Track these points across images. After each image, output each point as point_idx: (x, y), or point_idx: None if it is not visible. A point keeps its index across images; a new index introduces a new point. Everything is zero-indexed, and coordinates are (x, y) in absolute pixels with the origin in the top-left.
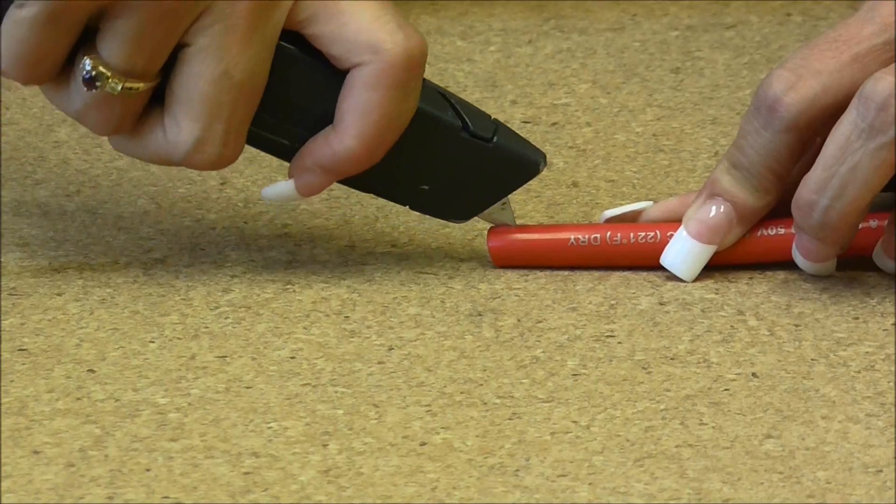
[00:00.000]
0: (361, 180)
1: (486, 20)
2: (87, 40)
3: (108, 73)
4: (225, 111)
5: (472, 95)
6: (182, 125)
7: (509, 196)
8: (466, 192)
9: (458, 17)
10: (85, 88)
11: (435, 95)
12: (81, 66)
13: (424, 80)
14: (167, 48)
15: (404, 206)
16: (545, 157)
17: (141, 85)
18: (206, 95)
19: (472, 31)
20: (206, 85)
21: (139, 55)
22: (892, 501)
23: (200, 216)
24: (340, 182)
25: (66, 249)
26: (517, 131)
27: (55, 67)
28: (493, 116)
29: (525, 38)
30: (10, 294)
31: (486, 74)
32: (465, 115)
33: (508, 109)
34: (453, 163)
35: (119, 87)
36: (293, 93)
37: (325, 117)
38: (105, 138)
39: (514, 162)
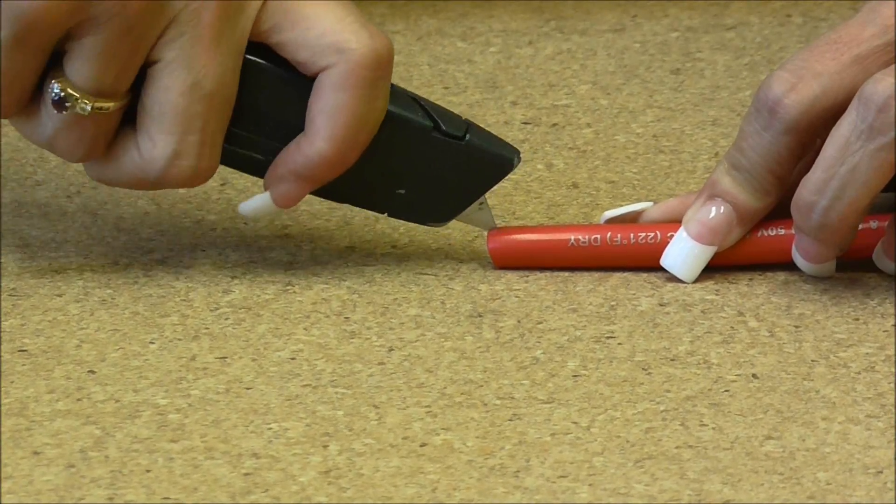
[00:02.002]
0: (338, 190)
1: (486, 21)
2: (53, 66)
3: (77, 94)
4: (198, 122)
5: (472, 96)
6: (156, 140)
7: (486, 196)
8: (443, 193)
9: (458, 18)
10: (55, 111)
11: (405, 98)
12: (49, 89)
13: (393, 84)
14: (135, 64)
15: (382, 213)
16: (518, 153)
17: (111, 104)
18: (179, 107)
19: (473, 32)
20: (177, 97)
21: (107, 73)
22: (893, 503)
23: (201, 217)
24: (318, 194)
25: (67, 250)
26: (517, 132)
27: (25, 94)
28: (465, 117)
29: (525, 40)
30: (10, 295)
31: (487, 75)
32: (435, 116)
33: (509, 110)
34: (427, 164)
35: (89, 107)
36: (263, 104)
37: (297, 128)
38: None
39: (488, 160)
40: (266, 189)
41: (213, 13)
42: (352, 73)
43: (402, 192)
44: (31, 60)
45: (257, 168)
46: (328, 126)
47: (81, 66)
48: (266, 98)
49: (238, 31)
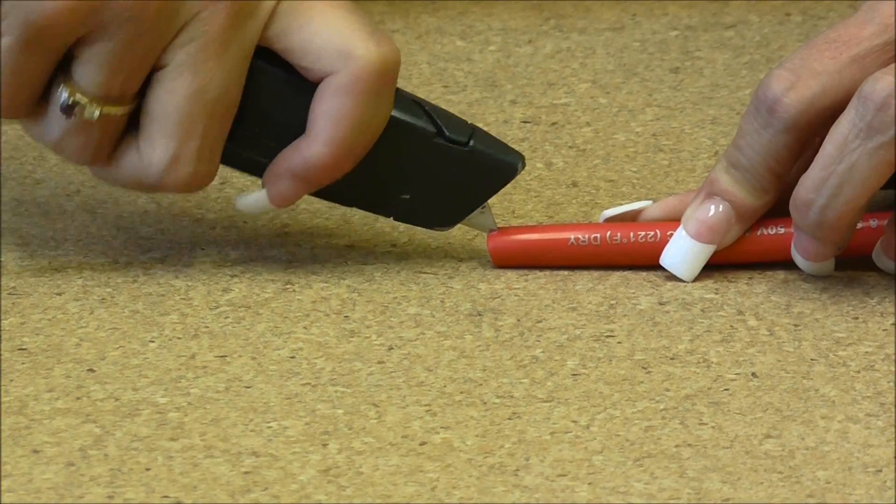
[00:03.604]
0: (341, 193)
1: (485, 20)
2: (62, 69)
3: (86, 100)
4: (199, 127)
5: (471, 95)
6: (157, 143)
7: (489, 201)
8: (447, 198)
9: (457, 17)
10: (63, 117)
11: (408, 103)
12: (58, 94)
13: (398, 88)
14: (144, 70)
15: (388, 217)
16: (523, 158)
17: (118, 109)
18: (182, 112)
19: (472, 31)
20: (181, 101)
21: (117, 79)
22: (892, 501)
23: (200, 216)
24: (322, 197)
25: (66, 249)
26: (517, 131)
27: (33, 97)
28: (469, 121)
29: (525, 38)
30: (10, 293)
31: (486, 74)
32: (439, 121)
33: (508, 109)
34: (431, 169)
35: (97, 113)
36: (267, 107)
37: (299, 131)
38: None
39: (492, 165)
40: (263, 187)
41: (223, 19)
42: (356, 80)
43: (407, 196)
44: (40, 63)
45: (258, 169)
46: (329, 130)
47: (91, 71)
48: (270, 101)
49: (247, 36)
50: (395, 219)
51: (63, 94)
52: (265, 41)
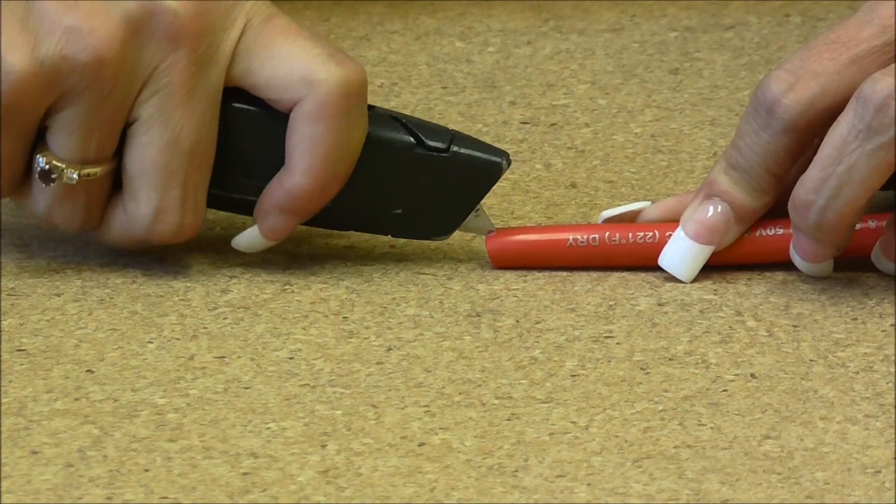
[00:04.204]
0: (335, 218)
1: (484, 21)
2: (40, 141)
3: (62, 165)
4: (179, 177)
5: (470, 96)
6: (139, 198)
7: (482, 202)
8: (439, 206)
9: (456, 18)
10: (43, 184)
11: (384, 118)
12: (36, 163)
13: (372, 105)
14: (116, 128)
15: (386, 235)
16: (507, 156)
17: (98, 169)
18: (158, 164)
19: (471, 32)
20: (156, 154)
21: (89, 142)
22: (892, 502)
23: None
24: (317, 225)
25: (65, 250)
26: (516, 132)
27: (16, 174)
28: (450, 127)
29: (524, 39)
30: (8, 294)
31: (485, 75)
32: (417, 131)
33: (507, 110)
34: (417, 180)
35: (76, 176)
36: (247, 147)
37: (282, 165)
38: None
39: (477, 167)
40: (255, 223)
41: (184, 67)
42: (323, 104)
43: (399, 211)
44: (16, 141)
45: (250, 208)
46: (305, 159)
47: (64, 138)
48: (249, 141)
49: (211, 81)
50: (392, 236)
51: (40, 163)
52: (233, 81)
